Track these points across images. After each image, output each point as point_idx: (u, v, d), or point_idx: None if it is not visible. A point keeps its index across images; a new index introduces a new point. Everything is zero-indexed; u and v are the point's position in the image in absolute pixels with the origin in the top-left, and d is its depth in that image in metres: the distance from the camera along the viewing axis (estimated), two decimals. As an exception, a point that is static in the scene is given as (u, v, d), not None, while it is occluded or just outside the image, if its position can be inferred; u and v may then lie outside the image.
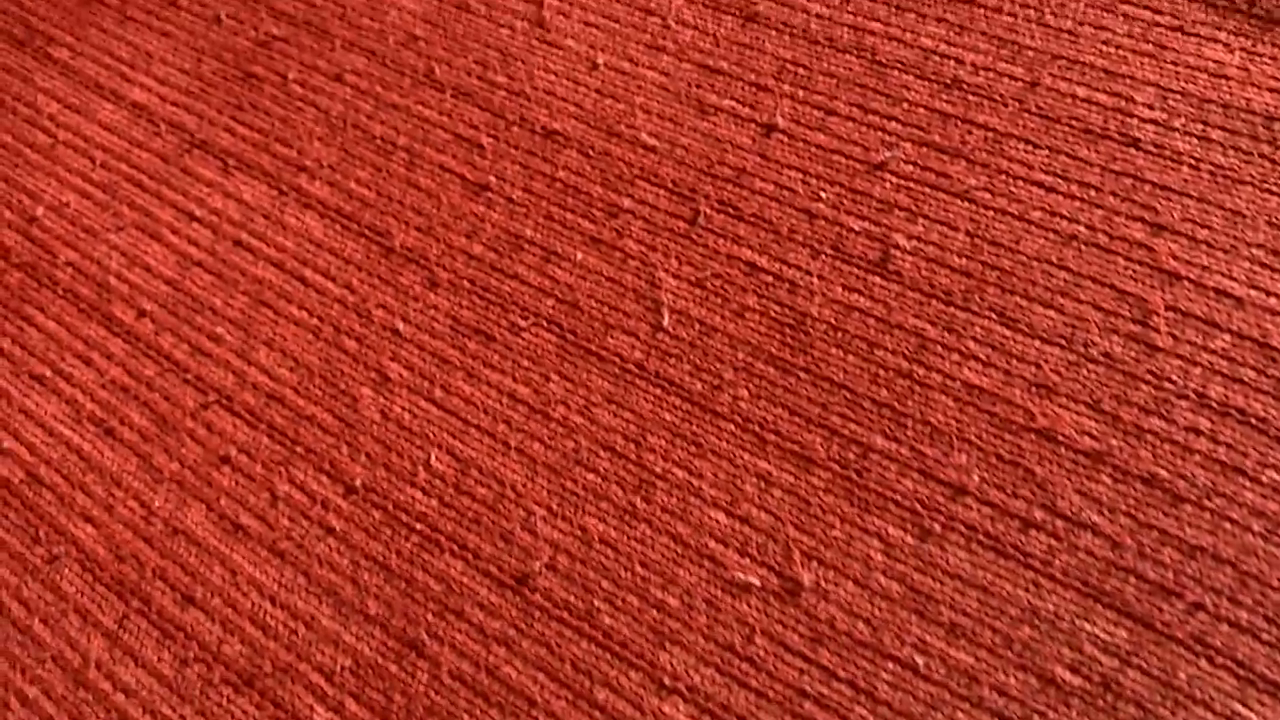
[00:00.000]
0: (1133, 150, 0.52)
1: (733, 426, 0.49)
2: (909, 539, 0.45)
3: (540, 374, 0.52)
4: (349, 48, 0.65)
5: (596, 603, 0.46)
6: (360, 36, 0.65)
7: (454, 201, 0.58)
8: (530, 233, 0.56)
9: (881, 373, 0.49)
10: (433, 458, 0.51)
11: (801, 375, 0.49)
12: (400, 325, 0.55)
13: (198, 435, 0.54)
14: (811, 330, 0.50)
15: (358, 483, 0.51)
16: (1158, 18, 0.55)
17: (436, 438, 0.51)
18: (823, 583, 0.45)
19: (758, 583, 0.45)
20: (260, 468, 0.52)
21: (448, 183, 0.59)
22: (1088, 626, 0.42)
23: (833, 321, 0.50)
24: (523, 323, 0.53)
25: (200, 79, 0.66)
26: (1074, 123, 0.53)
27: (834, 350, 0.50)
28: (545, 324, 0.53)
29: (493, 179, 0.58)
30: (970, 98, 0.55)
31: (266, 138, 0.62)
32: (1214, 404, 0.46)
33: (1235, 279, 0.48)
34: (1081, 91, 0.54)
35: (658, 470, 0.48)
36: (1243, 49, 0.53)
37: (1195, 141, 0.51)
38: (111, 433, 0.55)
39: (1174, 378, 0.46)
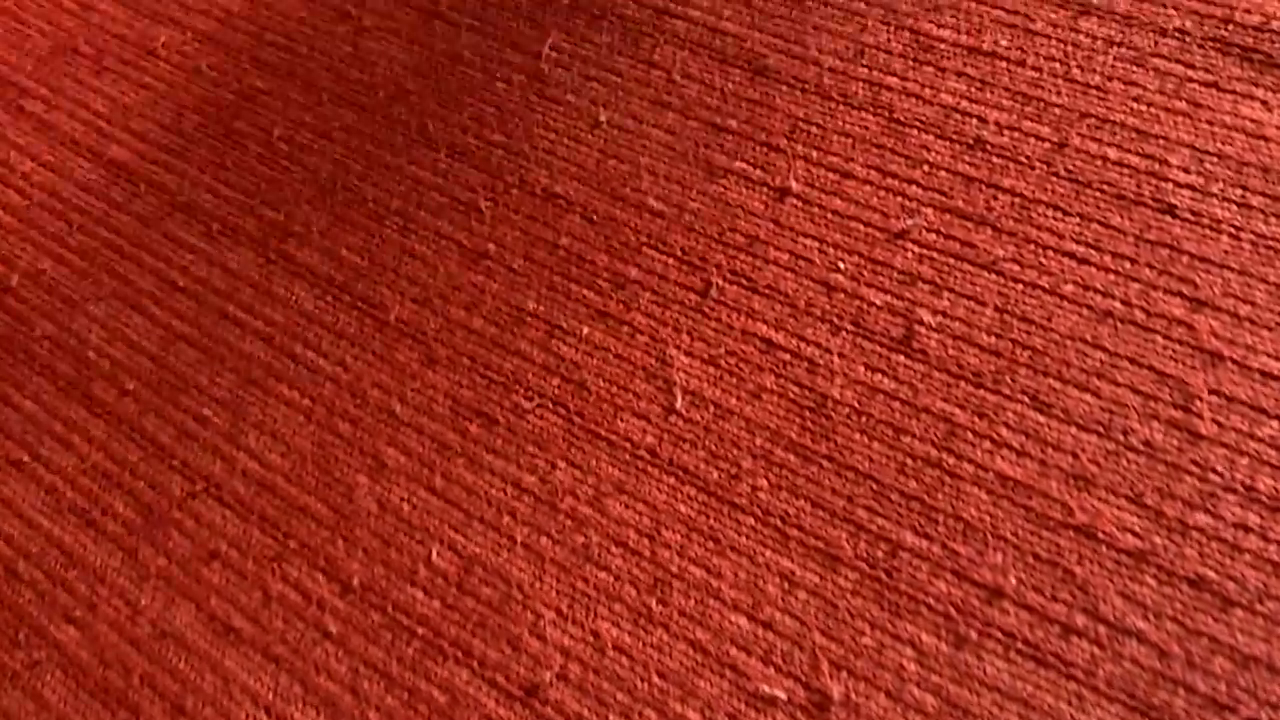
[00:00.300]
0: (1169, 218, 0.49)
1: (752, 520, 0.46)
2: (943, 647, 0.42)
3: (546, 460, 0.49)
4: (337, 102, 0.62)
5: (611, 717, 0.43)
6: (348, 90, 0.62)
7: (451, 270, 0.55)
8: (533, 305, 0.53)
9: (909, 462, 0.46)
10: (434, 554, 0.48)
11: (824, 464, 0.47)
12: (397, 406, 0.52)
13: (185, 527, 0.51)
14: (833, 414, 0.48)
15: (355, 581, 0.48)
16: (1190, 73, 0.52)
17: (437, 531, 0.48)
18: (853, 696, 0.42)
19: (784, 696, 0.43)
20: (252, 564, 0.49)
21: (444, 250, 0.56)
22: (1137, 746, 0.40)
23: (856, 405, 0.48)
24: (527, 404, 0.51)
25: (181, 135, 0.63)
26: (1105, 187, 0.50)
27: (858, 436, 0.47)
28: (551, 405, 0.50)
29: (492, 246, 0.55)
30: (995, 159, 0.52)
31: (252, 199, 0.59)
32: (1263, 498, 0.43)
33: (1282, 360, 0.45)
34: (1113, 153, 0.51)
35: (674, 569, 0.46)
36: (1281, 107, 0.51)
37: (1235, 208, 0.49)
38: (94, 524, 0.52)
39: (1219, 468, 0.44)
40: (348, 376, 0.53)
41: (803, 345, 0.50)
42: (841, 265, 0.51)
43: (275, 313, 0.56)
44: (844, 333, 0.49)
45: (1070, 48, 0.54)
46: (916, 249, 0.51)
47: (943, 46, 0.55)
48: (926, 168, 0.52)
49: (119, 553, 0.51)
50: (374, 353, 0.53)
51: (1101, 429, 0.45)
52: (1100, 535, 0.43)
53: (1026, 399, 0.46)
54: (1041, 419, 0.46)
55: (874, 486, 0.46)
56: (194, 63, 0.65)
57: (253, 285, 0.57)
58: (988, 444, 0.46)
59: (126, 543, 0.51)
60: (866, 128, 0.54)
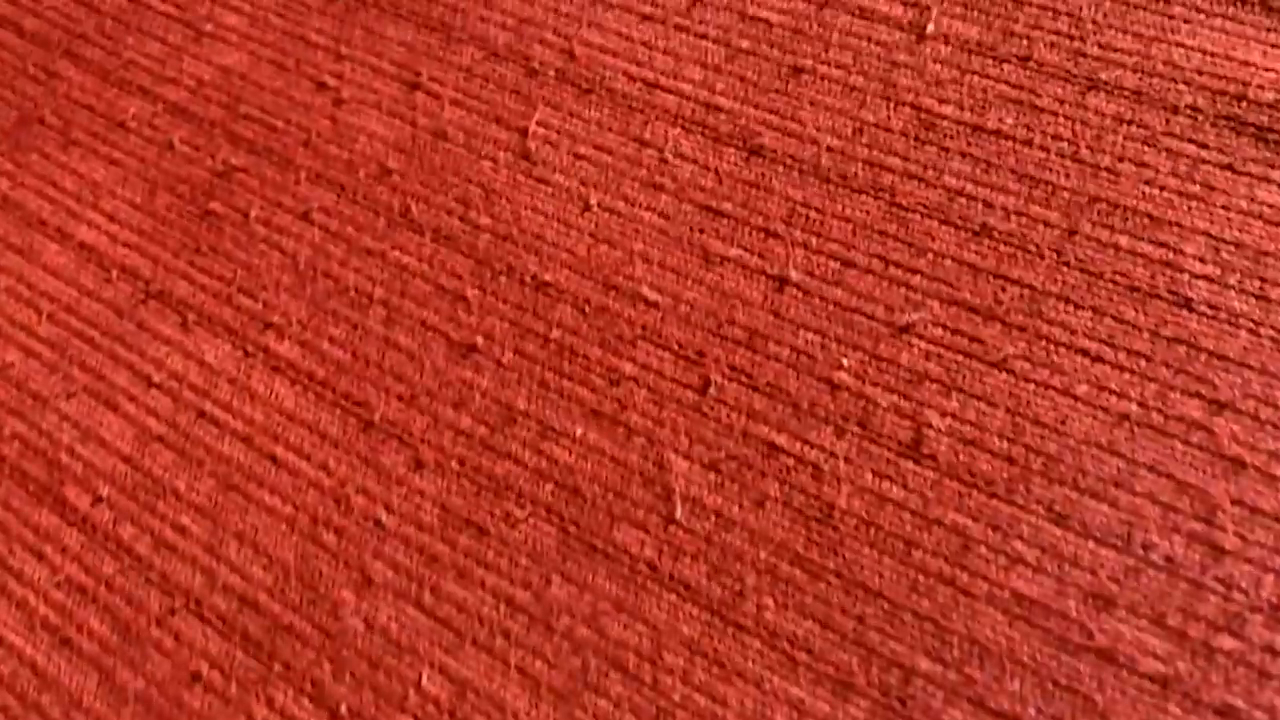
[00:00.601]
0: (1185, 312, 0.47)
1: (759, 643, 0.44)
2: (961, 783, 0.41)
3: (541, 575, 0.47)
4: (315, 180, 0.59)
5: None
6: (327, 167, 0.59)
7: (438, 365, 0.53)
8: (523, 403, 0.51)
9: (921, 579, 0.44)
10: (424, 678, 0.46)
11: (832, 580, 0.45)
12: (383, 515, 0.50)
13: (164, 646, 0.49)
14: (841, 526, 0.46)
15: (343, 708, 0.46)
16: (1204, 153, 0.50)
17: (427, 653, 0.46)
18: (867, 837, 0.40)
19: (795, 838, 0.41)
20: (235, 687, 0.47)
21: (430, 342, 0.53)
22: None
23: (864, 515, 0.46)
24: (519, 513, 0.49)
25: (153, 215, 0.60)
26: (1118, 278, 0.48)
27: (867, 550, 0.45)
28: (544, 514, 0.48)
29: (480, 339, 0.53)
30: (1002, 248, 0.50)
31: (229, 287, 0.57)
32: (1291, 619, 0.41)
33: (1307, 469, 0.44)
34: (1124, 241, 0.49)
35: (677, 697, 0.44)
36: (1299, 192, 0.49)
37: (1253, 302, 0.47)
38: (69, 643, 0.50)
39: (1244, 586, 0.42)
40: (331, 482, 0.51)
41: (807, 449, 0.47)
42: (845, 362, 0.49)
43: (255, 411, 0.53)
44: (850, 436, 0.47)
45: (1078, 126, 0.52)
46: (923, 344, 0.49)
47: (945, 124, 0.53)
48: (931, 256, 0.50)
49: (95, 673, 0.49)
50: (358, 455, 0.51)
51: (1120, 543, 0.43)
52: (1121, 659, 0.42)
53: (1042, 510, 0.45)
54: (1058, 532, 0.44)
55: (885, 606, 0.44)
56: (165, 136, 0.63)
57: (231, 381, 0.54)
58: (1003, 559, 0.44)
59: (103, 663, 0.49)
60: (867, 212, 0.52)
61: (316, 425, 0.52)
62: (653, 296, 0.52)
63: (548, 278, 0.54)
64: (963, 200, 0.51)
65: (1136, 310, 0.48)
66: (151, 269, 0.59)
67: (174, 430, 0.54)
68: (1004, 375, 0.47)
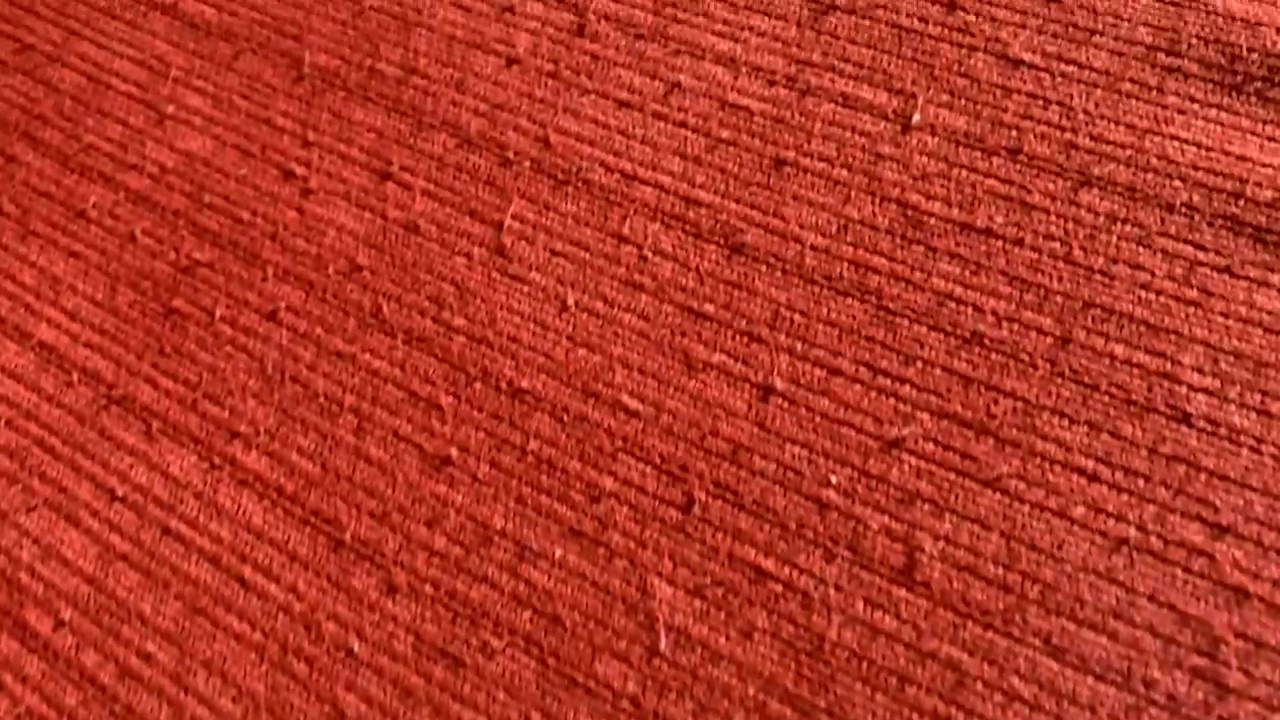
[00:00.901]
0: (1184, 427, 0.46)
1: (747, 787, 0.42)
2: None
3: (520, 712, 0.45)
4: (283, 277, 0.57)
5: None
6: (295, 263, 0.57)
7: (411, 479, 0.51)
8: (500, 522, 0.49)
9: (916, 718, 0.42)
10: (401, 823, 0.44)
11: (824, 719, 0.43)
12: (355, 643, 0.48)
13: (129, 786, 0.47)
14: (832, 659, 0.44)
15: None
16: (1201, 254, 0.49)
17: (405, 796, 0.45)
18: None
19: None
20: (202, 831, 0.45)
21: (403, 454, 0.51)
22: None
23: (855, 648, 0.44)
24: (496, 642, 0.47)
25: (115, 314, 0.58)
26: (1114, 390, 0.47)
27: (859, 686, 0.43)
28: (522, 644, 0.46)
29: (454, 451, 0.51)
30: (994, 356, 0.48)
31: (194, 392, 0.55)
32: (1300, 764, 0.40)
33: (1313, 600, 0.42)
34: (1120, 350, 0.47)
35: (663, 847, 0.42)
36: (1299, 296, 0.47)
37: (1254, 417, 0.45)
38: (29, 782, 0.48)
39: (1251, 726, 0.40)
40: (301, 606, 0.49)
41: (796, 575, 0.46)
42: (833, 479, 0.47)
43: (222, 528, 0.51)
44: (840, 560, 0.46)
45: (1071, 224, 0.50)
46: (914, 460, 0.47)
47: (932, 221, 0.52)
48: (920, 365, 0.49)
49: (57, 815, 0.47)
50: (329, 578, 0.49)
51: (1120, 679, 0.42)
52: (1125, 807, 0.40)
53: (1039, 642, 0.43)
54: (1055, 666, 0.42)
55: (877, 748, 0.42)
56: (128, 227, 0.61)
57: (197, 495, 0.52)
58: (999, 696, 0.42)
59: (65, 804, 0.47)
60: (854, 316, 0.50)
61: (286, 544, 0.50)
62: (633, 405, 0.50)
63: (524, 384, 0.52)
64: (952, 304, 0.50)
65: (1134, 425, 0.46)
66: (114, 371, 0.57)
67: (139, 548, 0.52)
68: (998, 495, 0.46)
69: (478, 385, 0.52)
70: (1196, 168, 0.50)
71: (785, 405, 0.49)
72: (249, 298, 0.57)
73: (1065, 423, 0.46)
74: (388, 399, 0.53)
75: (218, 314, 0.57)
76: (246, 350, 0.56)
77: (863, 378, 0.49)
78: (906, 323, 0.50)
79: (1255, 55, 0.52)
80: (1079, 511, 0.45)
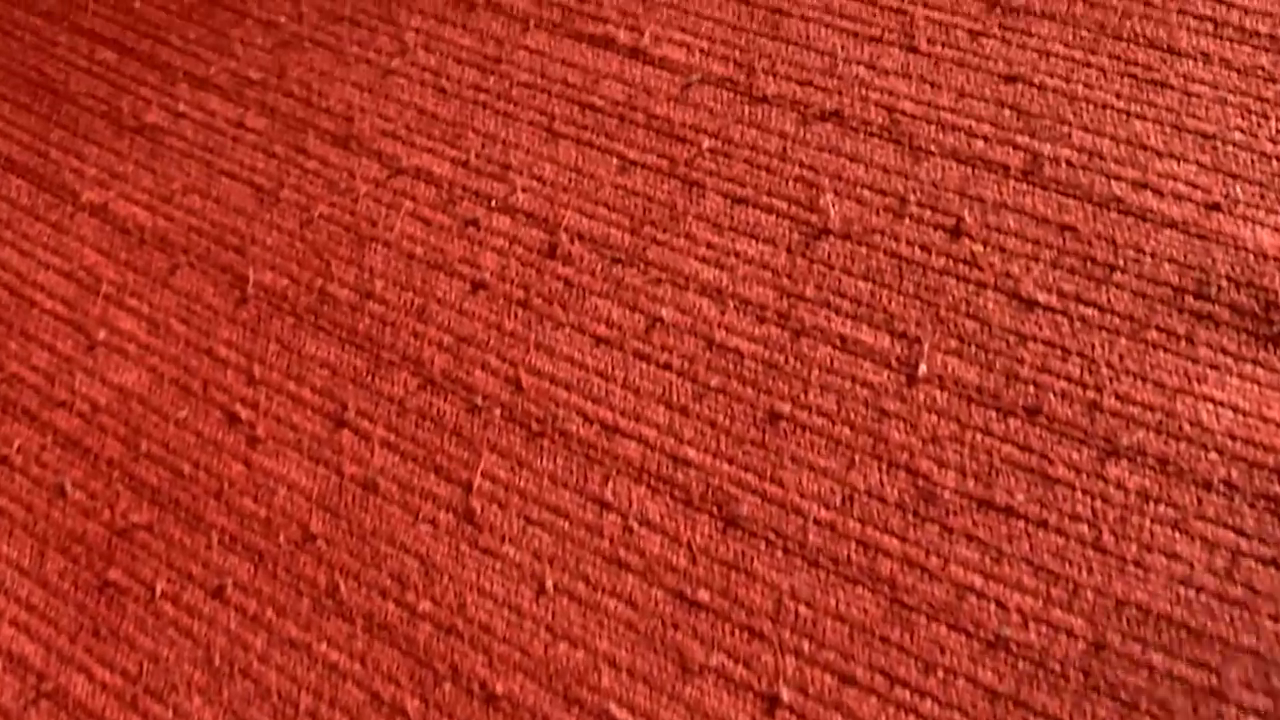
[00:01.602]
0: (1235, 758, 0.41)
1: None
2: None
3: None
4: (229, 545, 0.52)
5: None
6: (243, 528, 0.52)
7: (378, 801, 0.46)
8: None
9: None
10: None
11: None
12: None
13: None
14: None
15: None
16: (1243, 542, 0.44)
17: None
18: None
19: None
20: None
21: (368, 769, 0.46)
22: None
23: None
24: None
25: (45, 585, 0.53)
26: (1156, 710, 0.42)
27: None
28: None
29: (425, 767, 0.46)
30: (1021, 665, 0.44)
31: (133, 685, 0.49)
32: None
33: None
34: (1159, 660, 0.43)
35: None
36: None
37: (1313, 747, 0.41)
38: None
39: None
40: None
41: None
42: (848, 814, 0.42)
43: None
44: None
45: (1099, 503, 0.46)
46: (937, 792, 0.42)
47: (947, 495, 0.47)
48: (942, 674, 0.44)
49: None
50: None
51: None
52: None
53: None
54: None
55: None
56: (56, 477, 0.55)
57: (137, 817, 0.47)
58: None
59: None
60: (866, 611, 0.46)
61: None
62: (622, 717, 0.45)
63: (499, 688, 0.47)
64: (973, 599, 0.45)
65: (1179, 753, 0.41)
66: (44, 658, 0.51)
67: None
68: (1033, 839, 0.41)
69: (447, 686, 0.47)
70: (1234, 437, 0.46)
71: None
72: (193, 570, 0.51)
73: (1104, 749, 0.42)
74: (348, 700, 0.48)
75: (158, 589, 0.51)
76: (191, 635, 0.50)
77: (878, 688, 0.44)
78: (924, 620, 0.45)
79: (1290, 295, 0.48)
80: None
